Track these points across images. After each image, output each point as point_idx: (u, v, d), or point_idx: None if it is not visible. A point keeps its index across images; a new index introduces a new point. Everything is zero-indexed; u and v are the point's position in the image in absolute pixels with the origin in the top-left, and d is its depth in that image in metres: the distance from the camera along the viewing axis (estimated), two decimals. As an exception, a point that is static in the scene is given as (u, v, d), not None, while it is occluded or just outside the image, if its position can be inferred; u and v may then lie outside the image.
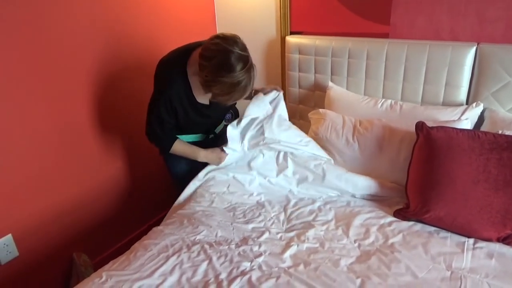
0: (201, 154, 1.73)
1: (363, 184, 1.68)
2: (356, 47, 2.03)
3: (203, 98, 1.67)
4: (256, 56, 2.51)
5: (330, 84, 2.14)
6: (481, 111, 1.78)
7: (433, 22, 1.90)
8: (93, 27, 1.89)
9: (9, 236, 1.73)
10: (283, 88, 2.46)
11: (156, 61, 1.67)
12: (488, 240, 1.39)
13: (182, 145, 1.74)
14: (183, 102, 1.61)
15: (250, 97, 1.85)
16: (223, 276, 1.28)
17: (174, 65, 1.58)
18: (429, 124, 1.60)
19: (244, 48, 1.41)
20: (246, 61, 1.39)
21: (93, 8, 1.86)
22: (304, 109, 2.33)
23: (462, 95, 1.85)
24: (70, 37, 1.80)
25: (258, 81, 2.54)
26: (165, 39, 2.28)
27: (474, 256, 1.32)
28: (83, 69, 1.89)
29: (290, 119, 2.43)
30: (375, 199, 1.69)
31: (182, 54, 1.59)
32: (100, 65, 1.96)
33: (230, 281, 1.25)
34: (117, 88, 2.08)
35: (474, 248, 1.36)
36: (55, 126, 1.82)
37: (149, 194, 2.43)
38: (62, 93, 1.82)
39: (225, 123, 1.92)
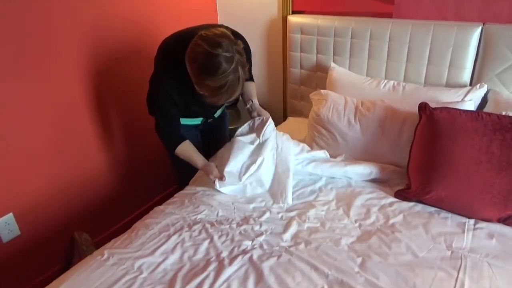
0: (200, 165, 1.68)
1: (364, 172, 1.68)
2: (359, 27, 2.00)
3: None
4: (257, 36, 2.49)
5: (332, 64, 2.12)
6: (485, 92, 1.77)
7: (438, 1, 1.87)
8: (91, 6, 1.85)
9: (10, 214, 1.74)
10: (284, 69, 2.44)
11: (156, 43, 1.62)
12: (489, 220, 1.39)
13: (186, 149, 1.67)
14: (182, 91, 1.57)
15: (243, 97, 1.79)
16: (224, 254, 1.28)
17: (173, 52, 1.53)
18: (432, 105, 1.59)
19: (228, 48, 1.32)
20: (230, 62, 1.32)
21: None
22: (306, 90, 2.31)
23: (466, 76, 1.83)
24: (66, 14, 1.77)
25: (258, 62, 2.52)
26: (164, 19, 2.24)
27: (475, 236, 1.33)
28: (79, 47, 1.86)
29: (290, 100, 2.43)
30: (376, 181, 1.69)
31: (182, 40, 1.53)
32: (97, 43, 1.93)
33: (232, 260, 1.25)
34: (115, 68, 2.05)
35: (474, 229, 1.37)
36: (55, 103, 1.81)
37: (150, 174, 2.43)
38: (61, 71, 1.80)
39: (226, 104, 1.90)
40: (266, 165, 1.63)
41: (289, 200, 1.56)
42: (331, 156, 1.81)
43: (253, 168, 1.61)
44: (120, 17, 2.00)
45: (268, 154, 1.64)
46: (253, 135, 1.69)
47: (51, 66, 1.76)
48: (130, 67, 2.12)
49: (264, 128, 1.65)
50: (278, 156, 1.67)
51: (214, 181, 1.61)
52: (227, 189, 1.61)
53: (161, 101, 1.57)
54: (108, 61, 2.01)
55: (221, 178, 1.60)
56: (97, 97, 1.99)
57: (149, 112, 1.79)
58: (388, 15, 2.00)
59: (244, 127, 1.73)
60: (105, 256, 1.29)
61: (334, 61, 2.14)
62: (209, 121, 1.87)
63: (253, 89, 1.80)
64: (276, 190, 1.61)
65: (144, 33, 2.15)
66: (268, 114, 1.71)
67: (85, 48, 1.88)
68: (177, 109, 1.61)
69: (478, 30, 1.74)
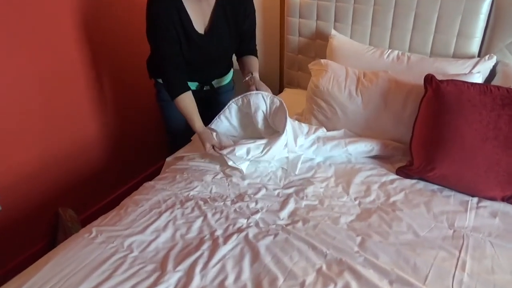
0: (197, 126, 1.67)
1: (365, 150, 1.68)
2: (363, -9, 1.97)
3: (199, 22, 1.62)
4: (252, -1, 2.43)
5: (333, 32, 2.09)
6: (493, 64, 1.77)
7: (449, -36, 1.83)
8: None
9: (-10, 189, 1.73)
10: (281, 36, 2.40)
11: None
12: (493, 199, 1.42)
13: (189, 102, 1.66)
14: (176, 27, 1.56)
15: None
16: (218, 233, 1.30)
17: None
18: (438, 77, 1.58)
19: None
20: None
21: None
22: (304, 59, 2.29)
23: (475, 47, 1.82)
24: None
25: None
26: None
27: (478, 215, 1.36)
28: (69, 9, 1.81)
29: (287, 70, 2.41)
30: (377, 157, 1.71)
31: None
32: (87, 4, 1.88)
33: (226, 238, 1.27)
34: (107, 31, 2.01)
35: (477, 207, 1.40)
36: (39, 72, 1.77)
37: (139, 147, 2.42)
38: (47, 37, 1.76)
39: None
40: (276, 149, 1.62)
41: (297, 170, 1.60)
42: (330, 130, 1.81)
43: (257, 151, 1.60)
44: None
45: (278, 146, 1.62)
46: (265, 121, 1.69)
47: (35, 30, 1.71)
48: (126, 28, 2.08)
49: (286, 125, 1.60)
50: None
51: (214, 153, 1.61)
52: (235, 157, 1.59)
53: (159, 43, 1.58)
54: (103, 26, 1.96)
55: (220, 148, 1.60)
56: (87, 66, 1.96)
57: (150, 76, 1.80)
58: (395, -21, 1.96)
59: (238, 100, 1.71)
60: (93, 234, 1.29)
61: (335, 28, 2.11)
62: (205, 88, 1.86)
63: (255, 63, 1.80)
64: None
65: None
66: (268, 90, 1.70)
67: (80, 11, 1.83)
68: (177, 43, 1.60)
69: (490, -4, 1.72)
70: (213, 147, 1.62)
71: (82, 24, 1.88)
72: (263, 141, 1.62)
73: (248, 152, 1.59)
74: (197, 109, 1.69)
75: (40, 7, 1.70)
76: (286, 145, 1.64)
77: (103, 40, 2.01)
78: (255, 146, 1.60)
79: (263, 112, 1.68)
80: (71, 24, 1.83)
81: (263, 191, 1.50)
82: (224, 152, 1.58)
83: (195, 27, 1.61)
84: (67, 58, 1.86)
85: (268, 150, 1.59)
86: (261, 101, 1.67)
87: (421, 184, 1.52)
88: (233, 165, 1.59)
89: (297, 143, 1.69)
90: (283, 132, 1.60)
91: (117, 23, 2.06)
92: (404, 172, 1.57)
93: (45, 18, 1.73)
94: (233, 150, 1.58)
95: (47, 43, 1.76)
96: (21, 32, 1.66)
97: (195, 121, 1.67)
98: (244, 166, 1.61)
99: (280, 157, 1.67)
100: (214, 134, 1.67)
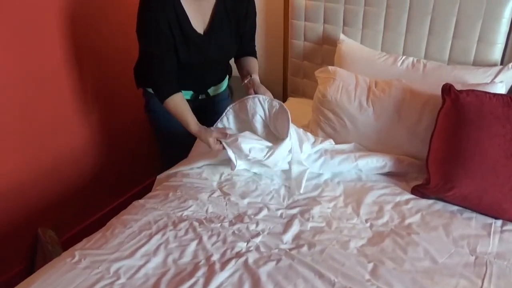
0: (192, 126, 1.67)
1: (376, 166, 1.69)
2: (374, -8, 1.99)
3: (198, 21, 1.64)
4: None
5: (342, 36, 2.11)
6: (518, 73, 1.78)
7: (468, -36, 1.86)
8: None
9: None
10: (285, 41, 2.42)
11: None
12: (519, 222, 1.42)
13: (180, 102, 1.67)
14: (172, 24, 1.57)
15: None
16: (215, 257, 1.29)
17: None
18: (457, 87, 1.59)
19: None
20: None
21: None
22: (310, 66, 2.30)
23: (497, 54, 1.84)
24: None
25: (256, 33, 2.49)
26: None
27: (502, 240, 1.35)
28: (56, 8, 1.84)
29: (292, 77, 2.42)
30: (390, 174, 1.71)
31: None
32: (74, 4, 1.91)
33: (224, 264, 1.26)
34: (94, 34, 2.03)
35: (502, 231, 1.39)
36: (20, 73, 1.78)
37: (129, 161, 2.42)
38: (30, 36, 1.78)
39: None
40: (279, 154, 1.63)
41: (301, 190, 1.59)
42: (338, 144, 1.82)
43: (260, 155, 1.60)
44: None
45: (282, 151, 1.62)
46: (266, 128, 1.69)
47: (23, 29, 1.73)
48: (114, 28, 2.11)
49: (289, 128, 1.60)
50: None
51: (221, 147, 1.61)
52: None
53: (148, 41, 1.59)
54: (91, 29, 1.99)
55: (225, 135, 1.60)
56: (72, 72, 1.97)
57: (137, 85, 1.82)
58: (409, -21, 1.98)
59: (235, 105, 1.72)
60: (76, 258, 1.29)
61: (344, 33, 2.13)
62: (200, 97, 1.87)
63: (254, 65, 1.82)
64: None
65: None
66: (269, 93, 1.71)
67: (66, 11, 1.86)
68: (169, 44, 1.61)
69: (513, -1, 1.74)
70: (219, 141, 1.62)
71: (68, 24, 1.90)
72: (268, 144, 1.62)
73: (250, 152, 1.59)
74: (189, 108, 1.69)
75: (24, 5, 1.72)
76: (290, 150, 1.64)
77: (90, 43, 2.03)
78: (259, 149, 1.60)
79: (262, 118, 1.68)
80: (56, 25, 1.85)
81: (264, 212, 1.50)
82: (228, 139, 1.59)
83: (193, 26, 1.63)
84: (50, 60, 1.88)
85: (271, 154, 1.59)
86: (258, 105, 1.66)
87: (439, 205, 1.52)
88: (231, 156, 1.60)
89: (303, 149, 1.69)
90: (286, 136, 1.59)
91: (106, 26, 2.08)
92: (420, 191, 1.57)
93: (29, 18, 1.75)
94: (236, 140, 1.58)
95: (30, 43, 1.78)
96: (2, 30, 1.67)
97: (189, 120, 1.66)
98: (239, 163, 1.62)
99: (284, 168, 1.68)
100: (213, 128, 1.66)
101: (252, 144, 1.59)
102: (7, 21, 1.69)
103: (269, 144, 1.62)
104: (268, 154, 1.58)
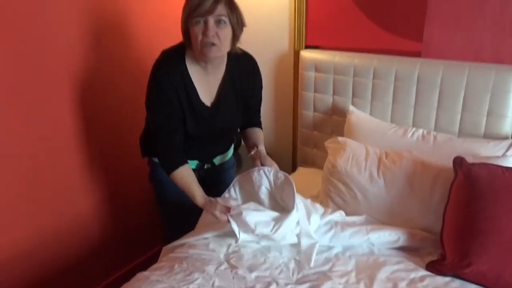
0: (199, 199, 1.67)
1: (389, 240, 1.65)
2: (383, 66, 2.04)
3: (206, 94, 1.67)
4: (263, 72, 2.48)
5: (351, 108, 2.14)
6: (530, 146, 1.77)
7: (473, 40, 1.92)
8: (81, 27, 1.91)
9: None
10: (295, 111, 2.46)
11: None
12: (541, 302, 1.35)
13: (186, 173, 1.68)
14: (180, 96, 1.61)
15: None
16: (220, 336, 1.23)
17: (169, 53, 1.62)
18: (469, 159, 1.59)
19: None
20: None
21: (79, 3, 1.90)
22: (320, 136, 2.32)
23: (507, 127, 1.85)
24: (54, 34, 1.81)
25: (265, 102, 2.54)
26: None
27: (525, 322, 1.28)
28: (67, 77, 1.90)
29: (301, 147, 2.44)
30: (403, 248, 1.66)
31: (178, 44, 1.63)
32: (86, 70, 1.97)
33: None
34: (103, 103, 2.08)
35: (524, 312, 1.33)
36: (29, 139, 1.80)
37: (133, 230, 2.39)
38: (41, 102, 1.82)
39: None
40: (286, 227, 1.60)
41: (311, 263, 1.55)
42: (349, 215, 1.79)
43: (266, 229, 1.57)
44: (116, 38, 2.05)
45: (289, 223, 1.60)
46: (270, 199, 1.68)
47: (35, 95, 1.78)
48: (126, 108, 2.16)
49: (295, 200, 1.59)
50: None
51: (227, 219, 1.58)
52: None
53: (156, 110, 1.62)
54: (100, 98, 2.05)
55: (228, 210, 1.58)
56: (76, 144, 2.00)
57: (142, 154, 1.83)
58: (416, 54, 2.05)
59: (242, 177, 1.72)
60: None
61: (353, 104, 2.16)
62: (205, 167, 1.87)
63: (260, 136, 1.83)
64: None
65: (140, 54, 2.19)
66: (275, 165, 1.71)
67: (78, 79, 1.92)
68: (177, 117, 1.64)
69: (521, 74, 1.78)
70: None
71: (79, 92, 1.95)
72: (274, 215, 1.59)
73: (255, 227, 1.56)
74: (196, 180, 1.69)
75: (37, 70, 1.78)
76: (298, 222, 1.61)
77: (98, 111, 2.07)
78: (265, 222, 1.57)
79: (267, 189, 1.68)
80: (66, 92, 1.90)
81: (273, 286, 1.45)
82: (232, 212, 1.57)
83: (201, 99, 1.66)
84: (59, 127, 1.91)
85: (278, 227, 1.56)
86: (264, 177, 1.67)
87: (457, 283, 1.46)
88: (234, 229, 1.57)
89: (311, 221, 1.66)
90: (293, 208, 1.57)
91: (115, 96, 2.13)
92: (435, 267, 1.52)
93: (42, 84, 1.80)
94: (241, 213, 1.56)
95: (40, 110, 1.82)
96: (15, 97, 1.72)
97: (195, 192, 1.66)
98: (245, 236, 1.59)
99: (292, 242, 1.63)
100: (219, 199, 1.64)
101: (258, 218, 1.58)
102: (20, 90, 1.74)
103: (276, 214, 1.60)
104: (276, 228, 1.55)
